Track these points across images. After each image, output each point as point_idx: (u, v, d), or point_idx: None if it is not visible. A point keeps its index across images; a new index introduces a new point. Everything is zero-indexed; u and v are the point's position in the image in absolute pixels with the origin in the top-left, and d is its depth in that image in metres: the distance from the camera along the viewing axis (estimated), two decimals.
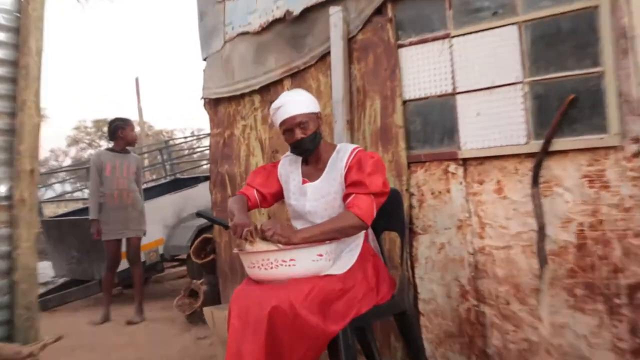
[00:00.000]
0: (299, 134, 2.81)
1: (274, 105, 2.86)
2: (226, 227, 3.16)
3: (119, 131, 6.35)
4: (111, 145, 6.42)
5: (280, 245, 2.59)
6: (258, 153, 4.68)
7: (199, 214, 3.48)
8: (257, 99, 4.67)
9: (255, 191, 3.04)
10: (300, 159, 3.03)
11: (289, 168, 3.02)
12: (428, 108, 3.65)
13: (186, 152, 19.72)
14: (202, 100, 5.13)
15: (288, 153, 3.07)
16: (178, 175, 11.44)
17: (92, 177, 6.10)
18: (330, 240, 2.69)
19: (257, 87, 4.60)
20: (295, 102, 2.82)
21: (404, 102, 3.75)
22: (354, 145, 2.90)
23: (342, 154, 2.87)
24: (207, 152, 12.24)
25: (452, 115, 3.57)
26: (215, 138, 5.06)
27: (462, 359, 3.54)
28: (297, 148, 2.88)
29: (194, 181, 8.94)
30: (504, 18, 3.37)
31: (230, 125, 4.90)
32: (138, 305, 6.19)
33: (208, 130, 5.65)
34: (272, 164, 3.12)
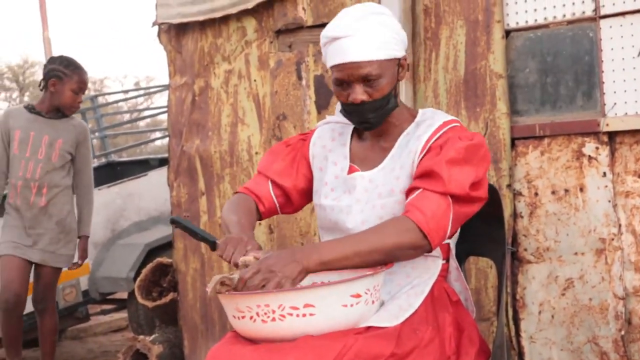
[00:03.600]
0: (359, 94, 2.35)
1: (327, 32, 2.41)
2: (213, 245, 2.59)
3: (51, 80, 4.71)
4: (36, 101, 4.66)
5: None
6: (251, 120, 4.11)
7: (174, 221, 2.74)
8: (250, 25, 4.09)
9: (270, 186, 2.58)
10: (351, 128, 2.58)
11: (329, 143, 2.58)
12: (549, 43, 3.35)
13: (127, 117, 15.85)
14: (156, 29, 4.46)
15: (329, 118, 2.63)
16: (113, 157, 9.17)
17: None
18: (370, 266, 2.25)
19: (251, 5, 4.03)
20: (364, 37, 2.34)
21: (507, 33, 3.40)
22: (447, 117, 2.45)
23: (424, 128, 2.44)
24: (164, 117, 9.41)
25: (591, 57, 3.26)
26: (179, 93, 4.44)
27: None
28: (354, 114, 2.42)
29: (141, 167, 7.42)
30: None
31: (205, 72, 4.33)
32: None
33: (165, 80, 4.85)
34: (300, 137, 2.68)
